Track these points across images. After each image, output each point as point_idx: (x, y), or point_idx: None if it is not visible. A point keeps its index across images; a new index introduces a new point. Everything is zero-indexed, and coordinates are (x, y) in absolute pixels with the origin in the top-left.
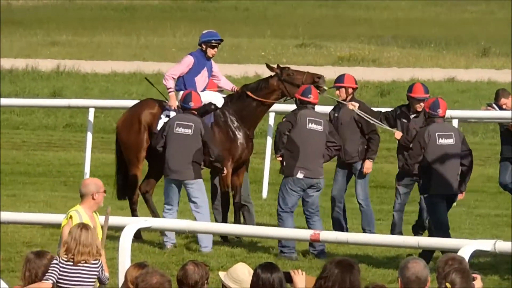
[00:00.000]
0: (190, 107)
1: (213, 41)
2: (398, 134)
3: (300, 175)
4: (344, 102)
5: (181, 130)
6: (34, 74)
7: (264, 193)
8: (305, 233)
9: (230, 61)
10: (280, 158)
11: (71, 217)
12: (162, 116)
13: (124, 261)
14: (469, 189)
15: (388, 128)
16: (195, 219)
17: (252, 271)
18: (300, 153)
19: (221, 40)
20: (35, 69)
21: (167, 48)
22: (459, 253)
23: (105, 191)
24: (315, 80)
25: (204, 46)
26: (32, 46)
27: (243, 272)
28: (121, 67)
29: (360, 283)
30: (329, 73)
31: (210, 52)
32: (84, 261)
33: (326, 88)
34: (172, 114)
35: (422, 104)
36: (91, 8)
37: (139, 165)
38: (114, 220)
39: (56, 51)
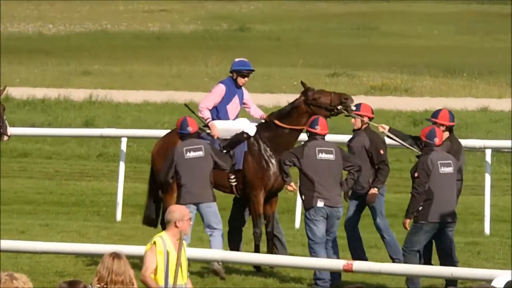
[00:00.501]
0: (188, 132)
1: (244, 71)
2: None
3: (320, 204)
4: (374, 124)
5: (192, 154)
6: (66, 104)
7: (297, 223)
8: (338, 263)
9: (262, 90)
10: (291, 188)
11: (154, 242)
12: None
13: None
14: (503, 219)
15: (417, 151)
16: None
17: None
18: (315, 183)
19: (252, 70)
20: (67, 98)
21: (199, 77)
22: (493, 284)
23: (190, 219)
24: (342, 101)
25: (235, 75)
26: (64, 75)
27: None
28: (153, 97)
29: None
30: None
31: (241, 81)
32: None
33: (354, 108)
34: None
35: (444, 130)
36: (123, 37)
37: (173, 193)
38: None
39: (88, 80)
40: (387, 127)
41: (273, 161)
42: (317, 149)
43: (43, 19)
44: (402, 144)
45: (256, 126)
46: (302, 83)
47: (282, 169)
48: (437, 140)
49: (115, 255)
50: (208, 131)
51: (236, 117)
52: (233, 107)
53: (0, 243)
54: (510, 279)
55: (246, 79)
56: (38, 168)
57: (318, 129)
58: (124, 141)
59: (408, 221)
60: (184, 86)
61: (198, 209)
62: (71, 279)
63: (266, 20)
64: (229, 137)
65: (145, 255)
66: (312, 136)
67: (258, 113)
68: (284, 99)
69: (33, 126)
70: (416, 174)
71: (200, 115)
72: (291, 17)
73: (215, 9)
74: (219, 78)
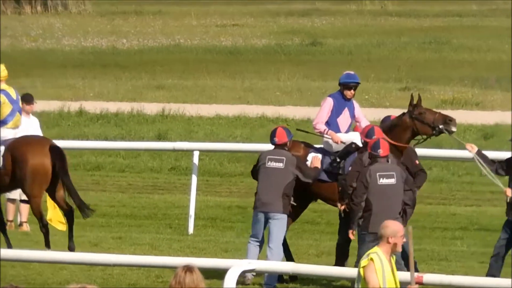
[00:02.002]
0: (275, 142)
1: (350, 83)
2: (509, 192)
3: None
4: (464, 143)
5: (272, 164)
6: (139, 117)
7: None
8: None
9: None
10: (342, 207)
11: (372, 259)
12: (309, 157)
13: None
14: None
15: (499, 184)
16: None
17: None
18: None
19: (358, 83)
20: (140, 112)
21: (271, 91)
22: None
23: (403, 236)
24: (447, 122)
25: (341, 87)
26: (137, 89)
27: None
28: (225, 110)
29: None
30: None
31: (347, 93)
32: None
33: (455, 130)
34: (320, 156)
35: None
36: (195, 52)
37: None
38: (218, 262)
39: (161, 94)
40: (475, 148)
41: None
42: (378, 174)
43: (117, 33)
44: (485, 170)
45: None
46: (411, 99)
47: (344, 191)
48: (381, 152)
49: (188, 269)
50: (327, 140)
51: (348, 129)
52: (344, 119)
53: (73, 255)
54: None
55: (352, 91)
56: (111, 181)
57: (380, 152)
58: (196, 154)
59: (350, 231)
60: (256, 100)
61: (265, 218)
62: None
63: (338, 35)
64: (340, 149)
65: (365, 272)
66: (374, 158)
67: None
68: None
69: (106, 139)
70: (354, 185)
71: (316, 131)
72: (363, 31)
73: (288, 24)
74: (290, 93)
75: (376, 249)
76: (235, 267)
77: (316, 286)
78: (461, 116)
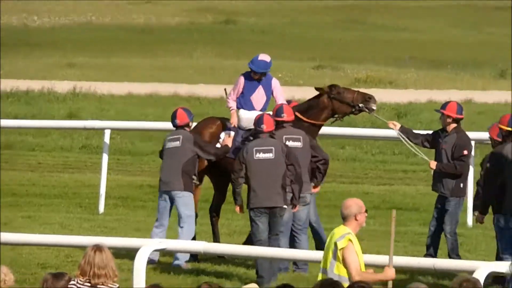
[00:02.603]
0: (176, 124)
1: (255, 72)
2: (432, 164)
3: None
4: (386, 121)
5: (171, 144)
6: (50, 96)
7: None
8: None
9: None
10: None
11: (350, 240)
12: (222, 134)
13: (139, 283)
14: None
15: (423, 157)
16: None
17: None
18: None
19: (263, 73)
20: (51, 90)
21: (183, 70)
22: (474, 275)
23: (366, 211)
24: (366, 100)
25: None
26: (48, 67)
27: None
28: (137, 89)
29: None
30: None
31: (254, 76)
32: (101, 284)
33: (375, 108)
34: (232, 133)
35: (451, 122)
36: (107, 30)
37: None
38: (129, 242)
39: (72, 72)
40: (398, 125)
41: None
42: (284, 137)
43: (28, 11)
44: (409, 145)
45: None
46: (316, 88)
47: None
48: (264, 127)
49: (97, 248)
50: (241, 116)
51: (265, 106)
52: (258, 97)
53: None
54: (492, 270)
55: (259, 76)
56: (21, 160)
57: (284, 117)
58: (107, 133)
59: (238, 208)
60: (168, 78)
61: (169, 198)
62: (56, 271)
63: (252, 13)
64: (252, 127)
65: (344, 254)
66: (279, 124)
67: None
68: None
69: (16, 118)
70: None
71: (226, 105)
72: (277, 10)
73: (200, 1)
74: (203, 71)
75: (346, 229)
76: (146, 246)
77: (228, 265)
78: (375, 95)
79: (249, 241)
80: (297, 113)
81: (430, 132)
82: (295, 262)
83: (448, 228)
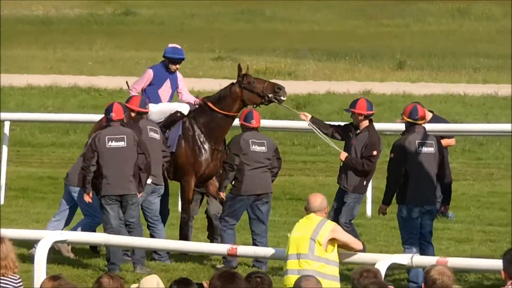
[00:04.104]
0: (111, 118)
1: (176, 59)
2: (343, 156)
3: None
4: (297, 112)
5: (113, 144)
6: None
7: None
8: (223, 248)
9: None
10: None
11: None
12: None
13: (40, 273)
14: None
15: (335, 147)
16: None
17: (161, 283)
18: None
19: (183, 59)
20: None
21: (83, 61)
22: (377, 266)
23: None
24: (275, 91)
25: (167, 61)
26: None
27: (150, 283)
28: (37, 80)
29: None
30: None
31: (172, 67)
32: (2, 275)
33: (284, 99)
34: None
35: (362, 119)
36: (6, 21)
37: None
38: (30, 233)
39: None
40: (309, 116)
41: (206, 147)
42: (251, 141)
43: None
44: (321, 135)
45: (192, 110)
46: (239, 68)
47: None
48: (113, 115)
49: None
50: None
51: (169, 101)
52: (165, 91)
53: None
54: (393, 262)
55: (178, 65)
56: None
57: (253, 123)
58: (7, 124)
59: (222, 193)
60: (68, 70)
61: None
62: None
63: (151, 5)
64: (163, 119)
65: (339, 235)
66: (247, 129)
67: (191, 99)
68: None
69: None
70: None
71: (129, 95)
72: (176, 1)
73: None
74: (103, 62)
75: (319, 217)
76: (47, 237)
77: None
78: None
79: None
80: (209, 104)
81: (342, 123)
82: (224, 257)
83: (343, 219)
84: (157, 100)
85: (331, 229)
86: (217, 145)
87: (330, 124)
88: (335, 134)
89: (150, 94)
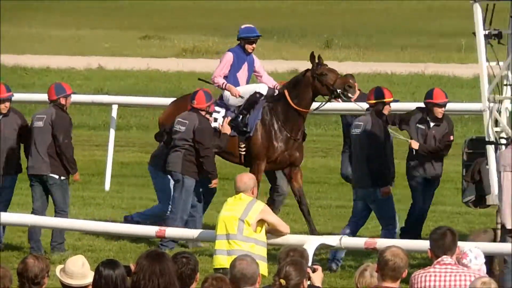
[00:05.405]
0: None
1: (251, 38)
2: (415, 144)
3: None
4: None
5: (35, 123)
6: None
7: (107, 186)
8: (151, 230)
9: (72, 53)
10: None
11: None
12: (219, 119)
13: None
14: (311, 180)
15: (403, 138)
16: None
17: (87, 264)
18: None
19: (259, 36)
20: None
21: (11, 39)
22: (305, 247)
23: None
24: (346, 88)
25: (242, 42)
26: None
27: (75, 263)
28: None
29: (172, 271)
30: (173, 65)
31: (249, 47)
32: None
33: (353, 97)
34: (229, 117)
35: (443, 109)
36: None
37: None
38: None
39: None
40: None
41: (282, 135)
42: (177, 119)
43: None
44: (397, 136)
45: (270, 96)
46: (312, 56)
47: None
48: (195, 102)
49: None
50: (226, 94)
51: (247, 84)
52: (243, 74)
53: None
54: (322, 243)
55: (254, 45)
56: None
57: (194, 103)
58: None
59: None
60: None
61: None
62: None
63: None
64: (238, 103)
65: (269, 216)
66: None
67: (271, 82)
68: (95, 62)
69: None
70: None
71: (215, 84)
72: None
73: None
74: (32, 40)
75: (248, 197)
76: None
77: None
78: (202, 65)
79: None
80: (286, 93)
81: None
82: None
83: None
84: (236, 83)
85: (261, 209)
86: (294, 134)
87: (393, 115)
88: (399, 123)
89: (229, 78)
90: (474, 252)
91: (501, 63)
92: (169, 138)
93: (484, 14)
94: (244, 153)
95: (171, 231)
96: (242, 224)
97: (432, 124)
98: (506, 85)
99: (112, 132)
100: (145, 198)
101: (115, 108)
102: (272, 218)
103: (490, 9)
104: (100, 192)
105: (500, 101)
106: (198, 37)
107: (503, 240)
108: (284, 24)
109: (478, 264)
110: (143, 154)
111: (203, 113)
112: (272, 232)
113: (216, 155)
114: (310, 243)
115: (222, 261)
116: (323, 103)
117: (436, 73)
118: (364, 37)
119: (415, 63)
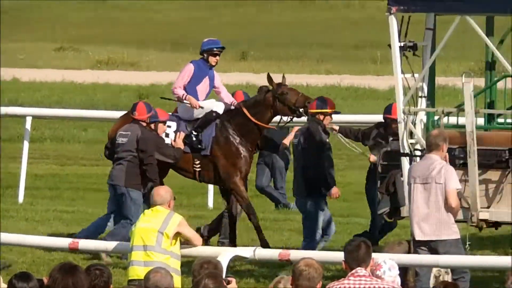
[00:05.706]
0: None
1: (214, 49)
2: (373, 158)
3: None
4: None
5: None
6: None
7: (20, 198)
8: (64, 242)
9: None
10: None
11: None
12: (171, 134)
13: None
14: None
15: (360, 150)
16: None
17: None
18: None
19: (223, 48)
20: None
21: None
22: (219, 259)
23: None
24: (306, 105)
25: (205, 55)
26: None
27: None
28: None
29: (85, 283)
30: (88, 77)
31: (212, 60)
32: None
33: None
34: (183, 133)
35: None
36: None
37: None
38: None
39: None
40: (337, 127)
41: (243, 148)
42: (119, 133)
43: None
44: (348, 145)
45: (226, 111)
46: (269, 77)
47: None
48: (136, 114)
49: None
50: (184, 106)
51: (205, 99)
52: (204, 88)
53: None
54: (236, 254)
55: (217, 57)
56: None
57: (135, 115)
58: None
59: None
60: None
61: None
62: None
63: None
64: (199, 117)
65: (185, 229)
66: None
67: (229, 99)
68: (9, 74)
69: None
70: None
71: (174, 97)
72: None
73: None
74: None
75: (166, 209)
76: None
77: None
78: (117, 77)
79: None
80: (244, 110)
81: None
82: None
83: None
84: (195, 97)
85: (178, 222)
86: (251, 147)
87: (358, 129)
88: (359, 137)
89: (188, 90)
90: (388, 264)
91: (416, 75)
92: (111, 152)
93: (400, 26)
94: (199, 169)
95: (84, 243)
96: (161, 236)
97: (390, 138)
98: (421, 97)
99: (26, 144)
100: (59, 210)
101: (29, 120)
102: (188, 231)
103: (406, 21)
104: (14, 205)
105: (415, 113)
106: (112, 49)
107: (414, 252)
108: (201, 36)
109: (392, 276)
110: (57, 166)
111: (143, 124)
112: (187, 243)
113: (171, 169)
114: (224, 255)
115: (139, 272)
116: (286, 119)
117: (352, 85)
118: (280, 48)
119: (331, 75)
